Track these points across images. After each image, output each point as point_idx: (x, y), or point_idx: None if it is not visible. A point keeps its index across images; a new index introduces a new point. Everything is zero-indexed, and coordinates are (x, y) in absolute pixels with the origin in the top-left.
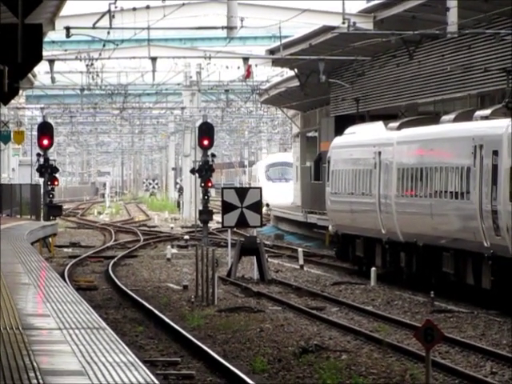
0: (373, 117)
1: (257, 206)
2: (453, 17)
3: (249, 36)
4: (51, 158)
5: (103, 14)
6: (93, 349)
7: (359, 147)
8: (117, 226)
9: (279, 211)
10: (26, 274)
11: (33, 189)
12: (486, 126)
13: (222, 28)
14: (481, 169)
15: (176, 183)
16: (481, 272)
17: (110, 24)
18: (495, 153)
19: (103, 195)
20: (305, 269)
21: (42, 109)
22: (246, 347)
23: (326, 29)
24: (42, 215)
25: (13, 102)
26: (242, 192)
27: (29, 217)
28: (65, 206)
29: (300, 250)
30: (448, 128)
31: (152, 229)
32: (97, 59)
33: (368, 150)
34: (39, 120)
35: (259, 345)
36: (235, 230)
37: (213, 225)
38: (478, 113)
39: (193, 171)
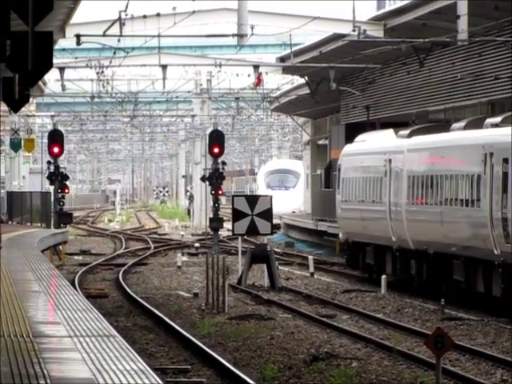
0: (383, 124)
1: (267, 214)
2: (463, 24)
3: (259, 44)
4: (61, 165)
5: (113, 22)
6: (103, 356)
7: (369, 155)
8: (127, 233)
9: (289, 219)
10: (36, 281)
11: (43, 196)
12: (497, 133)
13: (233, 36)
14: (491, 176)
15: (186, 191)
16: (491, 279)
17: (121, 32)
18: (505, 160)
19: (113, 203)
20: (315, 276)
21: (52, 116)
22: (256, 355)
23: (337, 36)
24: (52, 223)
25: (23, 109)
26: (252, 200)
27: (39, 224)
28: (75, 214)
29: (310, 257)
30: (458, 136)
31: (162, 236)
32: (107, 67)
33: (378, 158)
34: (49, 128)
35: (269, 352)
36: (246, 237)
37: (223, 232)
38: (489, 120)
39: (203, 179)
